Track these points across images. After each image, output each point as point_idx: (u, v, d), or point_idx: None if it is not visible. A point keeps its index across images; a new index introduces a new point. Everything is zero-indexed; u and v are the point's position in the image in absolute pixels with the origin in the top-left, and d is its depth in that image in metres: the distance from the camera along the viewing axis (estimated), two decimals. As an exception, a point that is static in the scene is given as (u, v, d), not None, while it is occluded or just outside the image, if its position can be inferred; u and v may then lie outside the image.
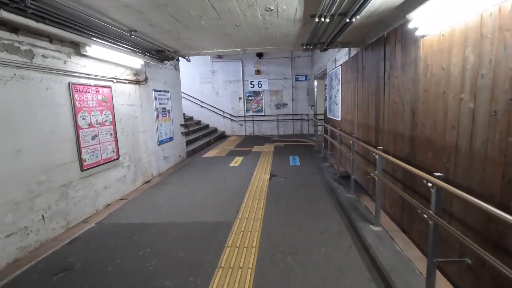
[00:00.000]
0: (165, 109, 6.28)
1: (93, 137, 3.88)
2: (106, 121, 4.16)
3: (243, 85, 12.18)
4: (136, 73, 5.11)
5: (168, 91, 6.43)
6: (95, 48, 3.65)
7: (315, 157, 7.13)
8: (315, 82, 11.04)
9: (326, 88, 7.72)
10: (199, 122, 12.38)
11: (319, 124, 8.01)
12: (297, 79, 11.92)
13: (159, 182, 5.32)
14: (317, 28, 3.56)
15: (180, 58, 5.89)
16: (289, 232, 3.10)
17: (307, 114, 11.81)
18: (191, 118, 12.24)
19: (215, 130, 12.44)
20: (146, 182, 5.32)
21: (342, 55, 6.18)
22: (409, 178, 2.81)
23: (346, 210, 3.65)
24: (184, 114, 11.59)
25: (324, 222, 3.32)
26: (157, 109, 5.86)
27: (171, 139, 6.54)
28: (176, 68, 7.06)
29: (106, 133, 4.15)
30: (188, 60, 5.83)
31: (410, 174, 2.66)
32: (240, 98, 12.32)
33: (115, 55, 4.12)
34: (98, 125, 3.99)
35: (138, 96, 5.13)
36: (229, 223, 3.36)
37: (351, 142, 4.20)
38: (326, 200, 4.04)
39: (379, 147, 3.07)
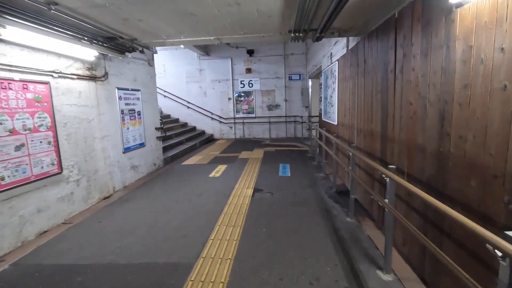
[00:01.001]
0: (134, 110, 5.39)
1: (18, 148, 2.99)
2: (40, 126, 3.27)
3: (232, 85, 11.33)
4: (91, 67, 4.23)
5: (138, 90, 5.55)
6: (14, 31, 2.76)
7: (308, 165, 6.29)
8: (310, 82, 10.23)
9: (321, 88, 6.90)
10: (185, 125, 11.49)
11: (313, 128, 7.18)
12: (290, 79, 11.10)
13: (121, 198, 4.44)
14: (306, 4, 2.72)
15: (147, 50, 5.02)
16: (268, 281, 2.25)
17: (301, 116, 10.98)
18: (176, 120, 11.36)
19: (203, 133, 11.56)
20: (105, 198, 4.44)
21: (339, 48, 5.36)
22: (432, 211, 1.98)
23: (345, 243, 2.80)
24: (169, 115, 10.68)
25: (315, 263, 2.47)
26: (122, 111, 4.97)
27: (142, 145, 5.65)
28: (150, 63, 6.18)
29: (40, 142, 3.26)
30: (155, 52, 4.98)
31: (436, 208, 1.82)
32: (229, 99, 11.47)
33: (51, 42, 3.23)
34: (27, 132, 3.10)
35: (93, 95, 4.24)
36: (188, 265, 2.49)
37: (350, 153, 3.37)
38: (319, 227, 3.19)
39: (390, 167, 2.23)
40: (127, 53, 4.58)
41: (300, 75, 11.02)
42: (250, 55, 11.02)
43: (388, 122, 2.78)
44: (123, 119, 4.99)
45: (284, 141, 10.32)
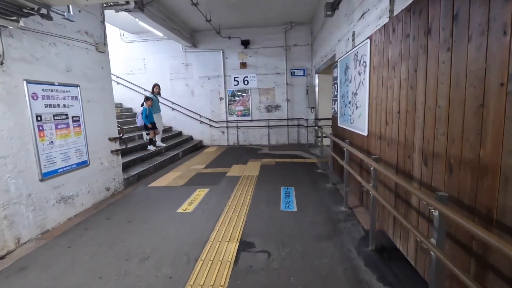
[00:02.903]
0: (66, 115, 3.66)
1: None
2: None
3: (224, 82, 9.60)
4: (-40, 43, 2.50)
5: (74, 86, 3.82)
6: None
7: (320, 188, 4.55)
8: (317, 78, 8.49)
9: (335, 83, 5.16)
10: (169, 129, 9.77)
11: (324, 135, 5.42)
12: (293, 75, 9.35)
13: (19, 260, 2.70)
14: None
15: (68, 21, 3.29)
16: None
17: (306, 119, 9.23)
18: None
19: (189, 139, 9.83)
20: (-4, 260, 2.70)
21: (370, 20, 3.61)
22: None
23: None
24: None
25: None
26: (38, 117, 3.24)
27: (82, 164, 3.92)
28: (100, 49, 4.44)
29: None
30: (70, 19, 3.17)
31: None
32: (221, 99, 9.73)
33: None
34: None
35: (-34, 92, 2.51)
36: None
37: (432, 211, 1.61)
38: None
39: None
40: (19, 18, 2.81)
41: (304, 70, 9.27)
42: (245, 47, 9.29)
43: None
44: (39, 129, 3.25)
45: (285, 149, 8.57)
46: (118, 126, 4.89)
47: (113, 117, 4.75)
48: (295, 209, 3.70)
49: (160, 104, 7.77)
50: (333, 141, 4.34)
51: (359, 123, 3.76)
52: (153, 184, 5.10)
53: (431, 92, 1.98)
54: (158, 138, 7.48)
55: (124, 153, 6.25)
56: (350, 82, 4.19)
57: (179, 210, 3.78)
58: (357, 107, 3.83)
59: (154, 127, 7.00)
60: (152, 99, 7.10)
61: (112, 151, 4.62)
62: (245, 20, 8.55)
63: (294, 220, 3.37)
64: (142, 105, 7.04)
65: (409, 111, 2.32)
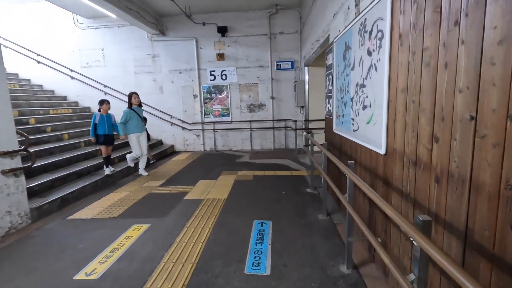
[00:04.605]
0: None
1: None
2: None
3: (199, 77, 8.13)
4: None
5: None
6: None
7: (309, 224, 3.16)
8: (306, 72, 7.11)
9: (330, 73, 3.77)
10: (132, 132, 8.23)
11: (314, 145, 3.97)
12: (279, 68, 7.95)
13: None
14: None
15: None
16: None
17: (295, 120, 7.84)
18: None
19: (159, 143, 8.33)
20: None
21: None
22: None
23: None
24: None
25: None
26: None
27: None
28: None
29: None
30: None
31: None
32: (195, 96, 8.26)
33: None
34: None
35: None
36: None
37: None
38: None
39: None
40: None
41: (292, 62, 7.88)
42: (223, 35, 7.83)
43: None
44: None
45: (270, 156, 7.16)
46: (19, 133, 3.39)
47: (9, 121, 3.24)
48: (268, 272, 2.29)
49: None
50: (325, 155, 2.91)
51: (369, 132, 2.37)
52: (75, 216, 3.62)
53: None
54: (142, 165, 5.62)
55: (55, 166, 4.76)
56: (352, 68, 2.80)
57: (79, 276, 2.31)
58: (365, 107, 2.44)
59: (107, 142, 5.09)
60: (126, 114, 5.14)
61: (3, 172, 3.12)
62: (221, 2, 7.10)
63: (263, 301, 1.96)
64: (99, 110, 5.12)
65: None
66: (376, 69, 2.19)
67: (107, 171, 5.08)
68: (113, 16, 6.47)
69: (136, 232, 3.07)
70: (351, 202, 2.14)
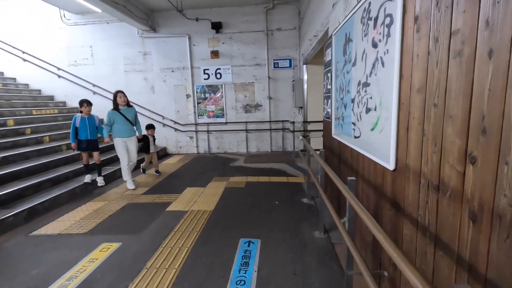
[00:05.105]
0: None
1: None
2: None
3: (192, 76, 7.71)
4: None
5: None
6: None
7: (304, 244, 2.74)
8: (305, 70, 6.69)
9: (329, 70, 3.34)
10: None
11: (310, 152, 3.53)
12: (276, 66, 7.52)
13: None
14: None
15: None
16: None
17: (293, 122, 7.41)
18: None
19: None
20: None
21: None
22: None
23: None
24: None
25: None
26: None
27: None
28: None
29: None
30: None
31: None
32: (188, 96, 7.85)
33: None
34: None
35: None
36: None
37: None
38: None
39: None
40: None
41: (290, 60, 7.45)
42: (217, 31, 7.41)
43: None
44: None
45: (266, 159, 6.74)
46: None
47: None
48: (249, 312, 1.87)
49: (112, 102, 4.73)
50: (323, 169, 2.47)
51: (374, 140, 1.95)
52: (41, 230, 3.21)
53: None
54: (127, 176, 4.72)
55: (29, 172, 4.36)
56: (353, 64, 2.37)
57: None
58: (369, 109, 2.02)
59: (90, 148, 4.62)
60: (109, 116, 4.53)
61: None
62: (214, -4, 6.69)
63: None
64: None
65: None
66: (383, 64, 1.76)
67: (87, 178, 4.67)
68: (99, 11, 6.07)
69: (103, 253, 2.66)
70: (351, 229, 1.71)
